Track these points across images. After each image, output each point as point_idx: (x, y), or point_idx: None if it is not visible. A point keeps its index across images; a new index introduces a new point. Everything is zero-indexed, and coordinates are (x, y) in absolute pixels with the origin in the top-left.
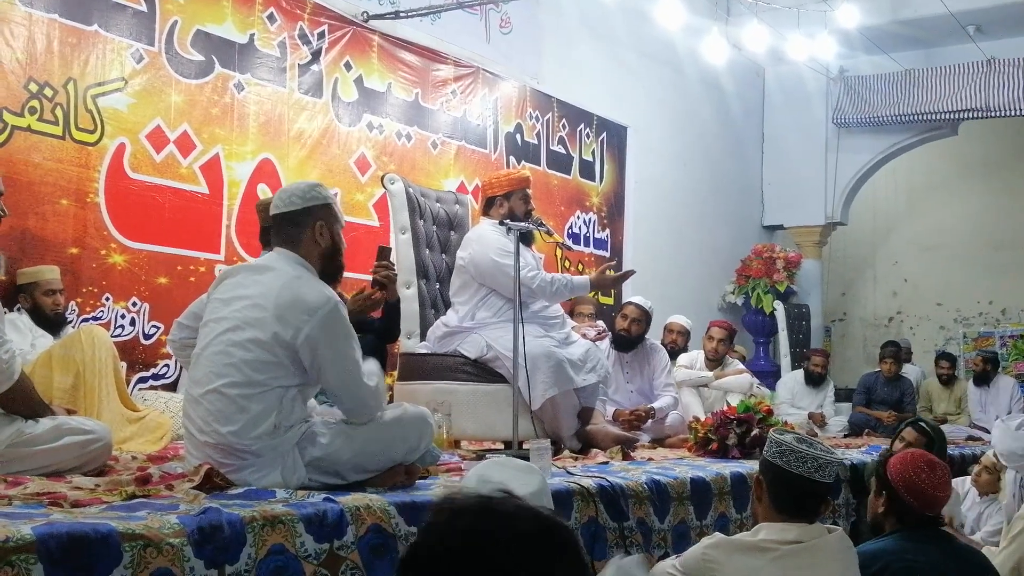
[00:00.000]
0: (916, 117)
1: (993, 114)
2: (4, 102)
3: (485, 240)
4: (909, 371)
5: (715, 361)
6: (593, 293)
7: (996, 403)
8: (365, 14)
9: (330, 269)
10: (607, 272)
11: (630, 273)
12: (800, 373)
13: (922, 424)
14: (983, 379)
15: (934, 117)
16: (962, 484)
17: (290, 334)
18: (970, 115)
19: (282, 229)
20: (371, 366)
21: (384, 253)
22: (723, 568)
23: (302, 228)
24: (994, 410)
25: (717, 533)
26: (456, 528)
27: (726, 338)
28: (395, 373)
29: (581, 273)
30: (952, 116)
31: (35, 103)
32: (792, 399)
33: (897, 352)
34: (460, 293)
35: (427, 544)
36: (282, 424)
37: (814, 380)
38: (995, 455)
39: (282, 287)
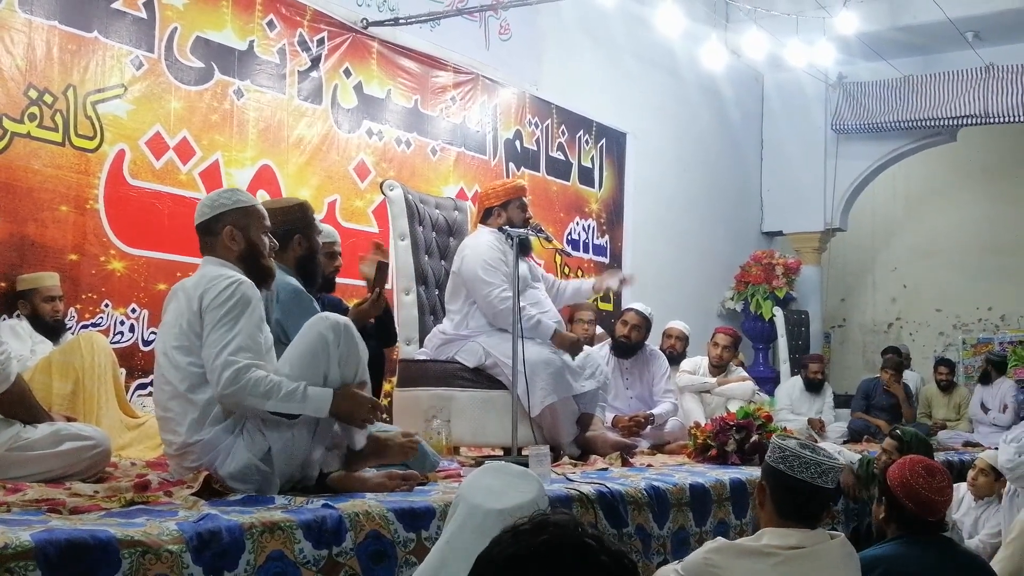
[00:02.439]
0: (915, 123)
1: (992, 120)
2: (4, 109)
3: (477, 252)
4: (908, 377)
5: (719, 368)
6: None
7: (994, 403)
8: (364, 21)
9: (255, 270)
10: (567, 335)
11: (579, 348)
12: (799, 380)
13: (897, 431)
14: (986, 378)
15: (933, 123)
16: (957, 490)
17: (195, 311)
18: (969, 121)
19: (202, 239)
20: (315, 389)
21: (382, 266)
22: (726, 573)
23: (215, 235)
24: (993, 409)
25: (720, 538)
26: (509, 535)
27: (731, 345)
28: (394, 379)
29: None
30: (951, 122)
31: (35, 109)
32: (791, 406)
33: (899, 364)
34: (452, 301)
35: (484, 551)
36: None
37: (813, 387)
38: (993, 461)
39: (193, 282)
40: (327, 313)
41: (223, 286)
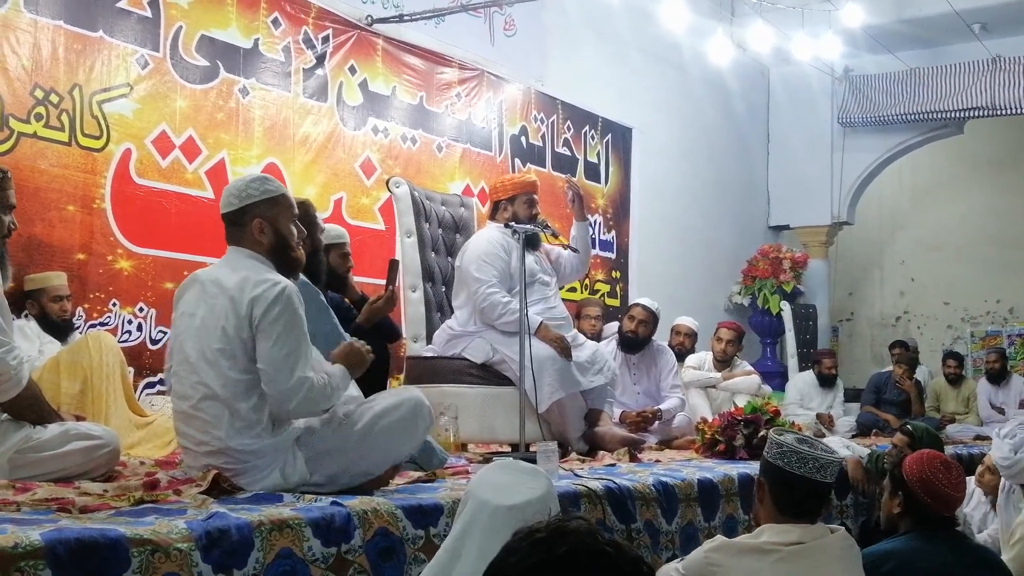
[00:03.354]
0: (922, 116)
1: (999, 112)
2: (10, 109)
3: (474, 249)
4: (916, 371)
5: (723, 362)
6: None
7: (1008, 401)
8: (369, 18)
9: (284, 262)
10: (550, 332)
11: (563, 344)
12: (810, 374)
13: (908, 427)
14: (998, 377)
15: (940, 116)
16: (967, 484)
17: (244, 316)
18: (976, 113)
19: (228, 229)
20: (331, 368)
21: (393, 266)
22: (726, 571)
23: (242, 227)
24: (1008, 408)
25: (719, 536)
26: (526, 543)
27: (735, 339)
28: (401, 376)
29: (588, 275)
30: (958, 115)
31: (41, 109)
32: (802, 400)
33: (913, 360)
34: (457, 297)
35: (498, 558)
36: (278, 421)
37: (826, 381)
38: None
39: (235, 283)
40: (416, 393)
41: (273, 296)
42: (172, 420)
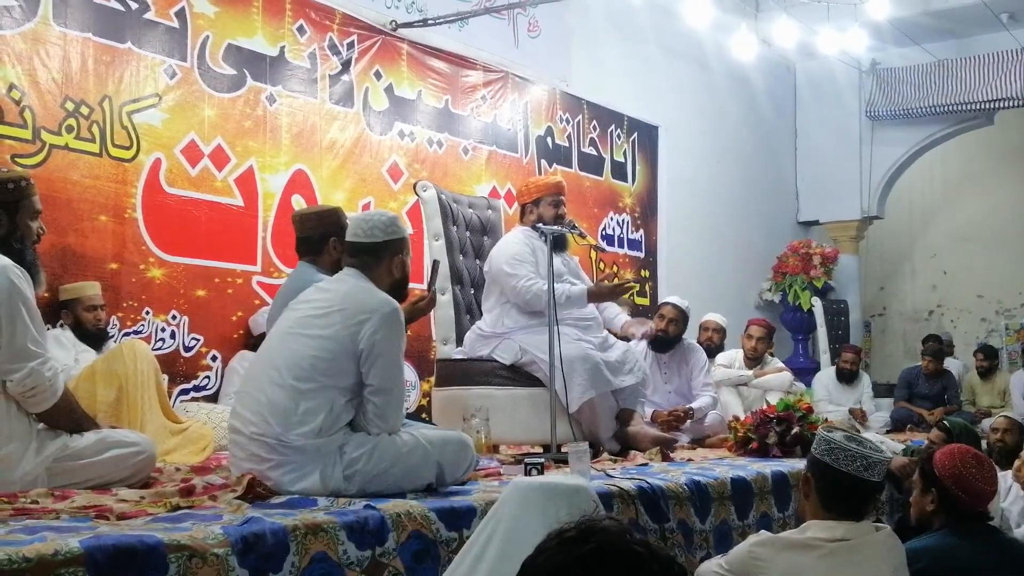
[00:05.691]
0: (950, 108)
1: None
2: (42, 121)
3: (502, 250)
4: (951, 364)
5: (754, 360)
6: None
7: None
8: (393, 23)
9: (401, 296)
10: (604, 282)
11: (627, 285)
12: (832, 370)
13: (945, 423)
14: None
15: (969, 107)
16: (1004, 479)
17: (351, 330)
18: (1006, 104)
19: (359, 256)
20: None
21: (435, 266)
22: (770, 566)
23: (380, 259)
24: None
25: (764, 531)
26: (556, 541)
27: (765, 336)
28: (432, 379)
29: (616, 275)
30: (987, 106)
31: (72, 121)
32: (828, 396)
33: (938, 350)
34: (487, 299)
35: (530, 558)
36: (328, 428)
37: (845, 377)
38: None
39: (347, 292)
40: (464, 435)
41: (388, 311)
42: (206, 426)
